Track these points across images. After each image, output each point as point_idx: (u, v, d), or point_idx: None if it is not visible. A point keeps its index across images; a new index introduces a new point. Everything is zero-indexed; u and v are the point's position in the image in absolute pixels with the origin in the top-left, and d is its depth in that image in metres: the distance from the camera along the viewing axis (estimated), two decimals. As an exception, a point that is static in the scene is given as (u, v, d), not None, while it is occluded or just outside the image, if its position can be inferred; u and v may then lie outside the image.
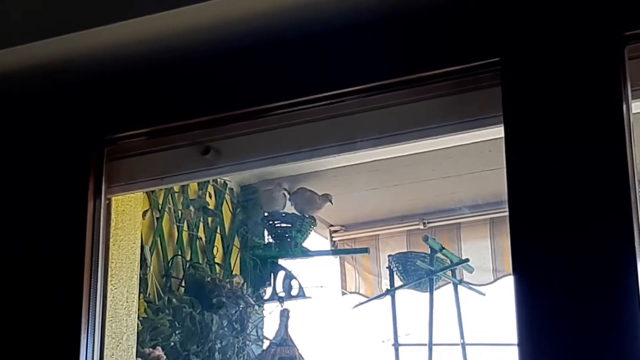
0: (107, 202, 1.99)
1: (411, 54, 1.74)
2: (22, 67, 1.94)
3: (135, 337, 2.20)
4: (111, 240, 2.03)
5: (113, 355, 2.11)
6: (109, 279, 2.01)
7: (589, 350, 1.45)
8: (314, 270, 4.40)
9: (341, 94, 1.80)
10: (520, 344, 1.51)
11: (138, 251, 2.24)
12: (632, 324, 1.43)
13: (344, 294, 4.84)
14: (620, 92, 1.54)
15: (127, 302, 2.14)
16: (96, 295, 1.91)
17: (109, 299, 2.01)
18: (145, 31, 1.82)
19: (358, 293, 4.82)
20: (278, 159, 1.95)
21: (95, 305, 1.91)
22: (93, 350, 1.88)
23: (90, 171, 1.95)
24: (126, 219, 2.17)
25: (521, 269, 1.54)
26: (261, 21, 1.78)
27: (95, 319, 1.90)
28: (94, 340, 1.89)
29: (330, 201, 4.12)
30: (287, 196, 4.13)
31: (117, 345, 2.13)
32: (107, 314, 1.97)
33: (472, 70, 1.68)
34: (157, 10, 1.76)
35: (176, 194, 3.74)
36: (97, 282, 1.92)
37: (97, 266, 1.93)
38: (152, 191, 3.46)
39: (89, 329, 1.88)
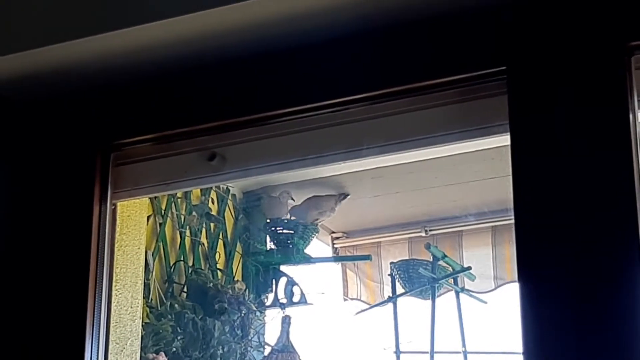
0: (113, 207, 1.99)
1: (417, 61, 1.74)
2: (28, 72, 1.94)
3: (139, 343, 2.20)
4: (116, 245, 2.03)
5: (117, 360, 2.12)
6: (114, 284, 2.01)
7: (595, 359, 1.45)
8: (315, 277, 4.40)
9: (347, 102, 1.80)
10: (525, 352, 1.51)
11: (142, 256, 2.25)
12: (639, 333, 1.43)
13: (345, 300, 4.85)
14: (626, 102, 1.54)
15: (131, 307, 2.14)
16: (101, 300, 1.91)
17: (113, 304, 2.02)
18: (151, 38, 1.82)
19: (360, 300, 4.83)
20: (284, 165, 1.95)
21: (100, 310, 1.91)
22: (97, 355, 1.88)
23: (96, 176, 1.96)
24: (131, 224, 2.17)
25: (526, 277, 1.54)
26: (267, 28, 1.79)
27: (99, 323, 1.90)
28: (98, 345, 1.89)
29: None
30: (293, 202, 4.12)
31: (121, 351, 2.13)
32: (111, 319, 1.98)
33: (479, 78, 1.68)
34: (164, 17, 1.76)
35: (179, 200, 3.74)
36: (102, 287, 1.92)
37: (102, 271, 1.93)
38: (155, 197, 3.46)
39: (94, 334, 1.89)
